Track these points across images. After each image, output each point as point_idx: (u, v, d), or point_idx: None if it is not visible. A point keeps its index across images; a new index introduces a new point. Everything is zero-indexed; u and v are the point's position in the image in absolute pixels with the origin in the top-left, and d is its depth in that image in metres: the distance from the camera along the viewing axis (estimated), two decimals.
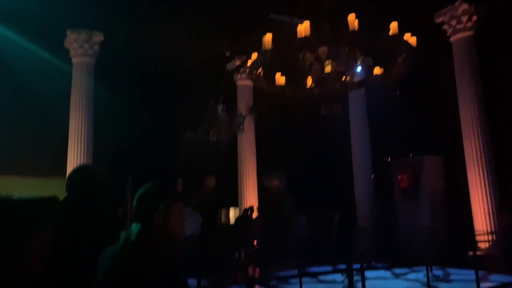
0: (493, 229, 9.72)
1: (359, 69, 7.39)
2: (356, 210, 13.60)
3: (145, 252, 1.57)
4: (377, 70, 7.20)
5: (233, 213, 15.93)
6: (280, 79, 7.10)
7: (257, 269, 10.44)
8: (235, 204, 14.06)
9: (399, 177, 12.76)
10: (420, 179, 12.15)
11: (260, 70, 6.89)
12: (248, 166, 13.56)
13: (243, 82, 13.38)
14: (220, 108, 8.78)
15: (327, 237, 10.93)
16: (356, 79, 7.19)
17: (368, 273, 9.65)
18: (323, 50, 6.35)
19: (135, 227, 1.64)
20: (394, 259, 11.11)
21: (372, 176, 13.90)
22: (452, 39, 11.02)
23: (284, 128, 13.65)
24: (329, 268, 10.57)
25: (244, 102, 11.79)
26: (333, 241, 10.05)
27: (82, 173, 2.30)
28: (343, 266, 7.75)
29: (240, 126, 8.55)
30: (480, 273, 7.70)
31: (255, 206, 12.92)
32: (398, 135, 12.94)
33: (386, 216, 12.57)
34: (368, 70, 7.15)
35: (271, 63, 6.66)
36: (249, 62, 6.82)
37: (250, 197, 13.45)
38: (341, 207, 13.18)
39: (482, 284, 7.18)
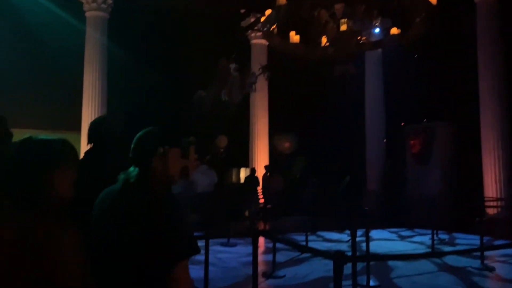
0: (502, 196, 9.70)
1: (377, 30, 7.19)
2: (367, 173, 13.66)
3: (144, 194, 1.58)
4: (395, 31, 7.01)
5: (243, 173, 16.16)
6: (294, 37, 6.97)
7: (263, 224, 10.71)
8: (246, 164, 14.22)
9: (411, 142, 12.67)
10: (432, 145, 12.06)
11: (274, 26, 6.76)
12: (259, 126, 13.59)
13: (257, 41, 13.16)
14: (232, 67, 8.67)
15: (336, 198, 11.05)
16: (373, 39, 7.02)
17: (373, 234, 9.88)
18: (338, 7, 6.17)
19: (133, 169, 1.63)
20: (401, 221, 11.26)
21: (385, 140, 13.84)
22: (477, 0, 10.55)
23: (298, 89, 13.54)
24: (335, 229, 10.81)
25: (257, 61, 11.62)
26: (341, 202, 10.18)
27: (102, 120, 2.45)
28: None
29: (252, 86, 8.46)
30: (486, 238, 7.79)
31: (266, 166, 13.08)
32: (413, 100, 12.73)
33: (396, 179, 12.62)
34: (385, 31, 6.96)
35: (285, 20, 6.52)
36: (263, 19, 6.68)
37: (261, 158, 13.56)
38: (352, 170, 13.22)
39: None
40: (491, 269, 6.38)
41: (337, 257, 2.39)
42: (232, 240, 8.57)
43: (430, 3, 5.94)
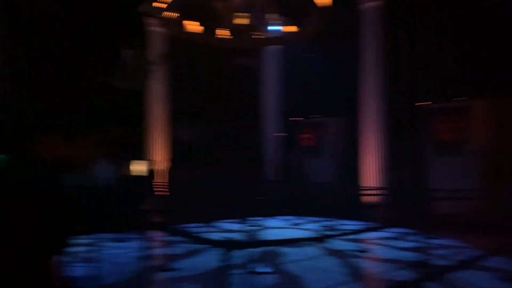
0: (380, 185, 10.80)
1: (275, 27, 7.46)
2: (264, 165, 14.17)
3: (15, 181, 1.44)
4: (292, 28, 7.33)
5: (140, 166, 15.55)
6: (193, 26, 6.87)
7: (160, 216, 10.44)
8: (142, 157, 13.69)
9: (305, 135, 13.48)
10: (324, 139, 12.96)
11: (172, 14, 6.59)
12: (158, 116, 13.15)
13: (155, 28, 12.65)
14: (128, 53, 8.25)
15: (235, 189, 11.26)
16: (271, 35, 7.26)
17: (268, 223, 10.29)
18: (238, 1, 6.24)
19: (3, 156, 1.49)
20: (294, 210, 11.90)
21: (281, 134, 14.47)
22: (361, 6, 11.48)
23: (198, 79, 13.39)
24: (237, 219, 11.01)
25: (156, 49, 11.23)
26: (241, 193, 10.43)
27: None
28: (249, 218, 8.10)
29: (150, 73, 8.15)
30: (366, 223, 8.63)
31: (165, 158, 12.76)
32: (307, 95, 13.49)
33: (291, 171, 13.33)
34: (283, 28, 7.24)
35: (185, 9, 6.39)
36: (161, 5, 6.46)
37: (160, 149, 13.17)
38: (251, 160, 13.62)
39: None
40: (369, 251, 7.09)
41: (227, 244, 2.41)
42: (126, 235, 8.21)
43: (316, 5, 6.30)
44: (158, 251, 7.01)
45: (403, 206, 9.74)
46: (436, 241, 7.77)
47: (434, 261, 6.20)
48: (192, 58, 10.66)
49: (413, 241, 7.91)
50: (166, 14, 6.68)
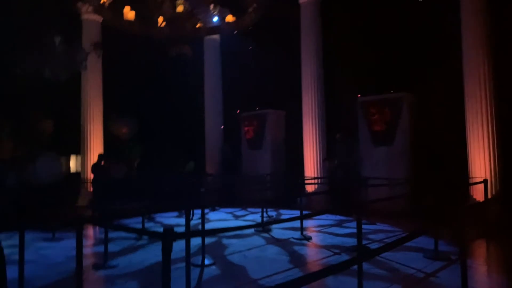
0: (319, 175, 11.17)
1: (215, 18, 7.36)
2: (206, 157, 14.05)
3: None
4: (230, 18, 7.28)
5: (74, 161, 14.77)
6: (129, 13, 6.59)
7: (95, 212, 10.00)
8: (76, 151, 13.01)
9: (246, 128, 13.52)
10: (264, 131, 13.10)
11: (105, 0, 6.26)
12: (93, 109, 12.53)
13: (89, 16, 12.01)
14: (57, 40, 7.71)
15: (175, 182, 11.04)
16: (209, 25, 7.16)
17: (210, 216, 10.26)
18: None
19: None
20: (236, 202, 11.94)
21: (222, 126, 14.41)
22: (300, 1, 11.72)
23: (135, 69, 12.91)
24: (175, 213, 10.83)
25: (88, 38, 10.64)
26: (182, 186, 10.24)
27: None
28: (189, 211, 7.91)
29: (82, 63, 7.70)
30: (305, 212, 8.87)
31: (101, 152, 12.17)
32: (248, 88, 13.55)
33: (232, 163, 13.33)
34: (222, 19, 7.16)
35: None
36: None
37: (95, 143, 12.56)
38: (192, 154, 13.43)
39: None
40: (309, 238, 7.30)
41: (166, 234, 2.34)
42: (58, 235, 7.75)
43: None
44: (94, 249, 6.71)
45: (340, 194, 10.14)
46: (371, 227, 8.21)
47: (369, 245, 6.54)
48: (129, 48, 10.22)
49: (349, 227, 8.31)
50: (102, 0, 6.33)
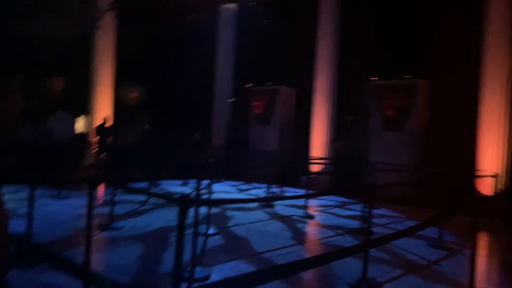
0: (325, 156, 11.13)
1: None
2: (213, 129, 14.01)
3: None
4: None
5: (81, 122, 14.77)
6: None
7: (104, 173, 10.05)
8: (83, 112, 12.95)
9: (255, 103, 13.40)
10: (274, 107, 12.98)
11: None
12: (103, 71, 12.41)
13: None
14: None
15: (181, 152, 11.06)
16: None
17: (215, 187, 10.27)
18: None
19: None
20: (240, 176, 11.98)
21: (232, 99, 14.30)
22: None
23: (148, 35, 12.71)
24: (180, 181, 10.89)
25: None
26: (189, 156, 10.26)
27: None
28: (194, 180, 7.97)
29: (97, 22, 7.53)
30: (313, 191, 8.91)
31: (109, 115, 12.15)
32: (260, 62, 13.37)
33: (239, 137, 13.30)
34: None
35: None
36: None
37: (103, 106, 12.50)
38: (199, 125, 13.41)
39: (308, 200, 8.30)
40: (312, 217, 7.33)
41: (183, 201, 2.32)
42: (65, 193, 7.82)
43: None
44: (101, 210, 6.76)
45: (346, 176, 10.13)
46: (374, 211, 8.22)
47: (372, 228, 6.55)
48: (143, 12, 10.03)
49: (352, 209, 8.33)
50: None
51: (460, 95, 9.59)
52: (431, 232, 5.96)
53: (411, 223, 7.03)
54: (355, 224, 6.84)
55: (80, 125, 14.27)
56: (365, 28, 10.97)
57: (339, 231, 6.34)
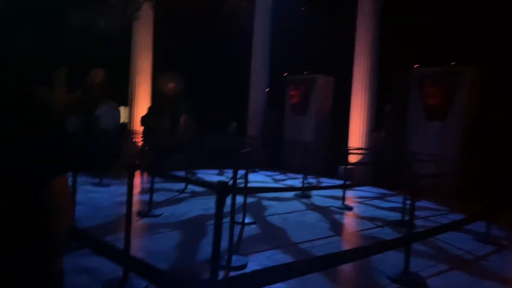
0: (364, 147, 10.84)
1: None
2: (248, 119, 13.99)
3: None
4: None
5: (123, 112, 15.14)
6: None
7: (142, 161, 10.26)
8: (124, 103, 13.26)
9: (292, 92, 13.23)
10: (311, 96, 12.77)
11: None
12: (142, 62, 12.62)
13: None
14: None
15: (220, 142, 11.12)
16: None
17: (250, 177, 10.28)
18: None
19: None
20: (276, 166, 11.92)
21: (267, 89, 14.20)
22: None
23: (187, 24, 12.78)
24: (216, 170, 10.97)
25: None
26: (226, 146, 10.30)
27: None
28: (229, 170, 7.96)
29: (136, 12, 7.64)
30: (348, 182, 8.70)
31: (148, 105, 12.38)
32: (297, 51, 13.16)
33: (275, 127, 13.21)
34: None
35: None
36: None
37: (142, 97, 12.75)
38: (235, 115, 13.41)
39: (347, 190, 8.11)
40: (350, 208, 7.17)
41: (221, 187, 2.28)
42: (105, 181, 8.06)
43: None
44: (140, 198, 6.91)
45: (385, 167, 9.84)
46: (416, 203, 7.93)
47: (413, 221, 6.31)
48: (180, 4, 10.06)
49: (392, 201, 8.08)
50: None
51: (510, 83, 9.02)
52: (477, 226, 5.67)
53: (454, 217, 6.73)
54: (395, 216, 6.62)
55: (122, 115, 14.62)
56: (407, 13, 10.51)
57: (379, 223, 6.16)
